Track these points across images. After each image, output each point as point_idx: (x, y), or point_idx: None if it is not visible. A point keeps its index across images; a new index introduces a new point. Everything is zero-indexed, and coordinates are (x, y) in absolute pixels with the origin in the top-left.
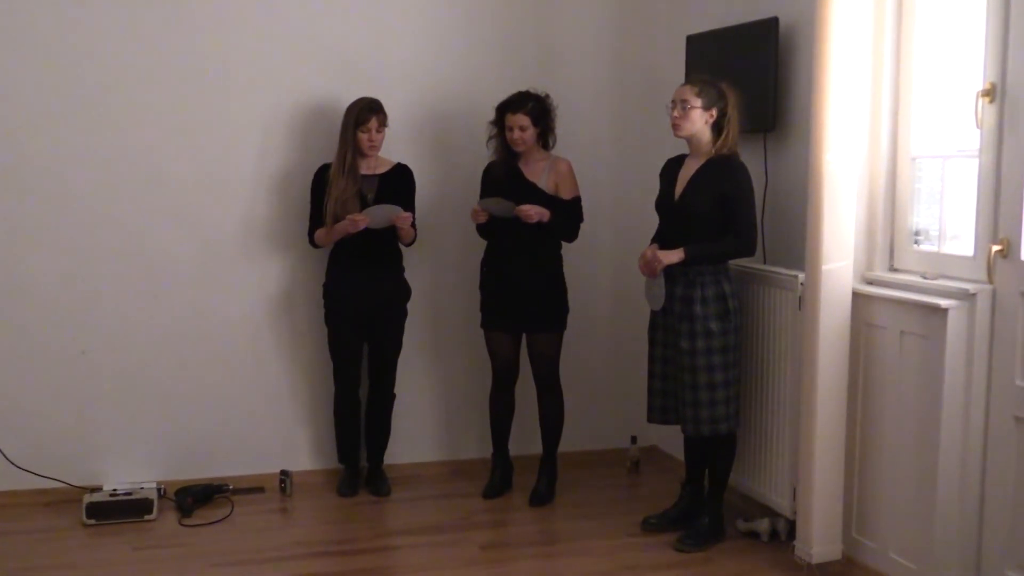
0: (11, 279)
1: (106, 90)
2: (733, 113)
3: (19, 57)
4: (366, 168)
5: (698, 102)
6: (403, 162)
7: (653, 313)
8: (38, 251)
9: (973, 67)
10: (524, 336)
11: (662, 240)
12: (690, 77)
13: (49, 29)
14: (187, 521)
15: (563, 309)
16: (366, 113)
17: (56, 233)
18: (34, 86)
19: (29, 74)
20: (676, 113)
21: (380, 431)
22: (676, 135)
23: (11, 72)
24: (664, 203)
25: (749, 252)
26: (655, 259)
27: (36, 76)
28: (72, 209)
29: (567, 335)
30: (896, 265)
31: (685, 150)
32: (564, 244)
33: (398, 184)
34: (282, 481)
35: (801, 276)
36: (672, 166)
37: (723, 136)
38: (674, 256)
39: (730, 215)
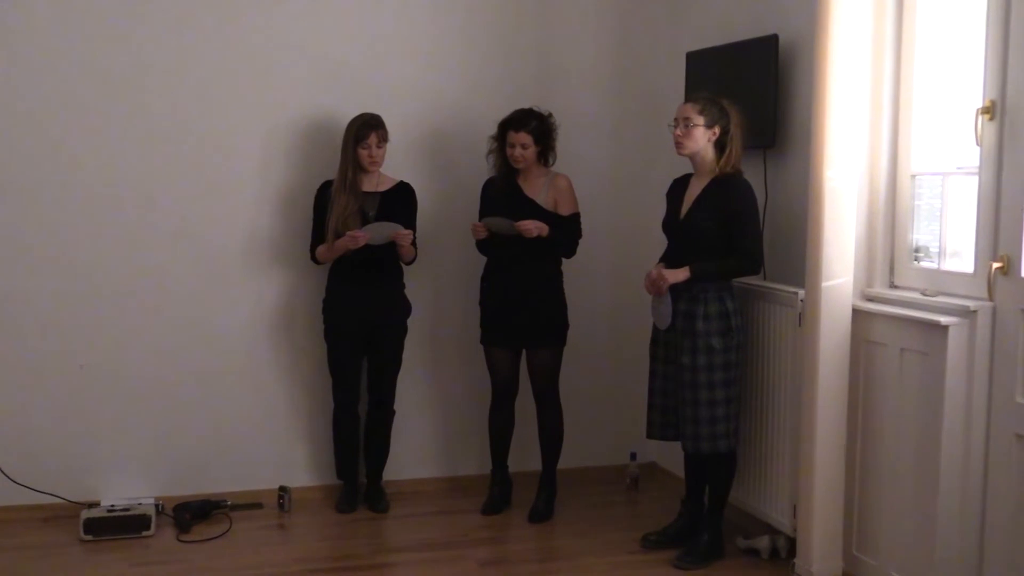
0: (10, 293)
1: (107, 105)
2: (736, 131)
3: (19, 73)
4: (368, 185)
5: (701, 120)
6: (403, 178)
7: (655, 328)
8: (37, 265)
9: (973, 84)
10: (524, 352)
11: (669, 259)
12: (692, 95)
13: (50, 45)
14: (185, 537)
15: (562, 325)
16: (365, 129)
17: (55, 247)
18: (34, 102)
19: (29, 89)
20: (679, 131)
21: (379, 447)
22: (679, 153)
23: (11, 87)
24: (670, 223)
25: (754, 270)
26: (660, 278)
27: (36, 92)
28: (72, 224)
29: (566, 351)
30: (896, 282)
31: (685, 167)
32: (564, 260)
33: (400, 202)
34: (281, 497)
35: (801, 293)
36: (678, 186)
37: (726, 154)
38: (680, 275)
39: (735, 234)
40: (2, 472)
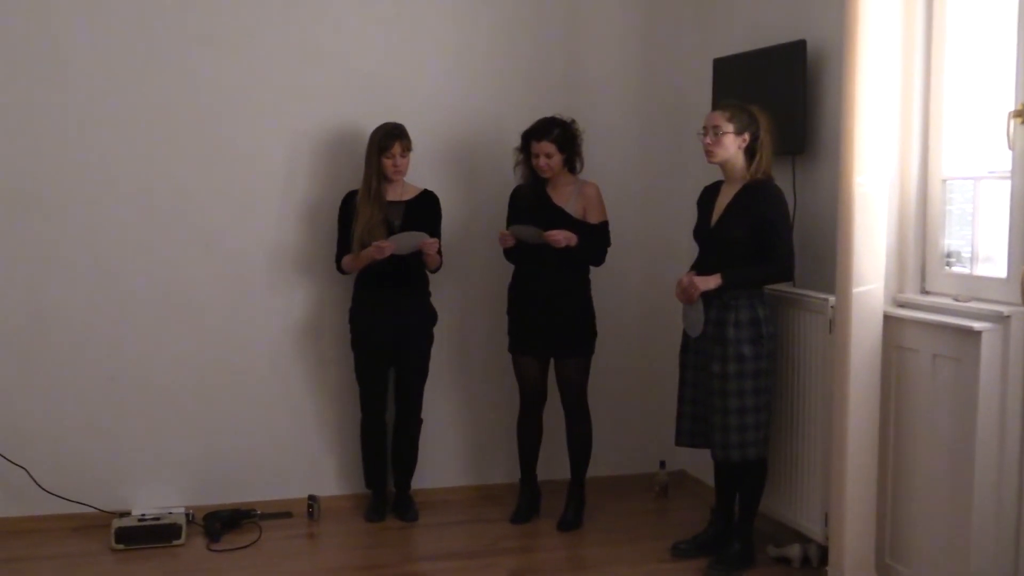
0: (40, 305)
1: (136, 119)
2: (765, 137)
3: (48, 85)
4: (392, 194)
5: (730, 127)
6: (429, 188)
7: (685, 336)
8: (67, 277)
9: (1004, 87)
10: (552, 361)
11: (700, 267)
12: (721, 102)
13: (76, 57)
14: (215, 546)
15: (591, 334)
16: (389, 139)
17: (85, 259)
18: (64, 117)
19: (57, 101)
20: (709, 139)
21: (407, 456)
22: (710, 161)
23: (39, 100)
24: (701, 230)
25: (787, 277)
26: (692, 285)
27: (63, 104)
28: (100, 236)
29: (595, 359)
30: (928, 288)
31: (714, 174)
32: (592, 268)
33: (424, 210)
34: (310, 506)
35: (832, 299)
36: (709, 193)
37: (756, 160)
38: (711, 282)
39: (767, 241)
40: (34, 481)
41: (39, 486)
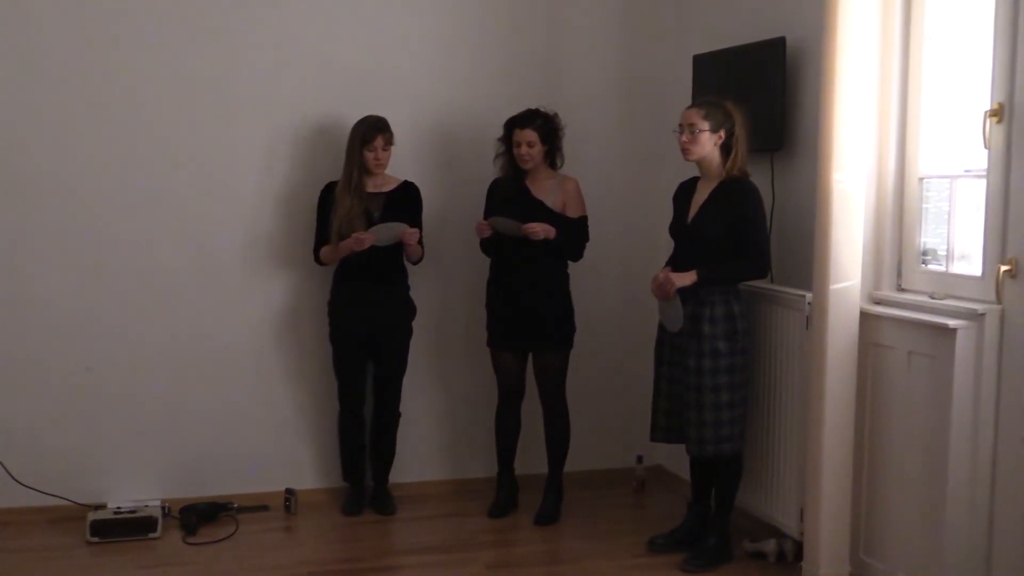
0: (16, 296)
1: (112, 107)
2: (741, 132)
3: (27, 74)
4: (372, 186)
5: (706, 125)
6: (410, 179)
7: (661, 330)
8: (43, 268)
9: (981, 87)
10: (530, 355)
11: (676, 263)
12: (695, 100)
13: (57, 46)
14: (192, 539)
15: (569, 328)
16: (372, 132)
17: (61, 250)
18: (40, 103)
19: (36, 91)
20: (685, 138)
21: (385, 450)
22: (686, 159)
23: (18, 89)
24: (677, 227)
25: (762, 274)
26: (667, 281)
27: (42, 93)
28: (78, 226)
29: (573, 354)
30: (904, 285)
31: (691, 170)
32: (570, 263)
33: (405, 202)
34: (287, 499)
35: (808, 296)
36: (685, 190)
37: (732, 156)
38: (687, 279)
39: (742, 238)
40: (8, 474)
41: (13, 478)
